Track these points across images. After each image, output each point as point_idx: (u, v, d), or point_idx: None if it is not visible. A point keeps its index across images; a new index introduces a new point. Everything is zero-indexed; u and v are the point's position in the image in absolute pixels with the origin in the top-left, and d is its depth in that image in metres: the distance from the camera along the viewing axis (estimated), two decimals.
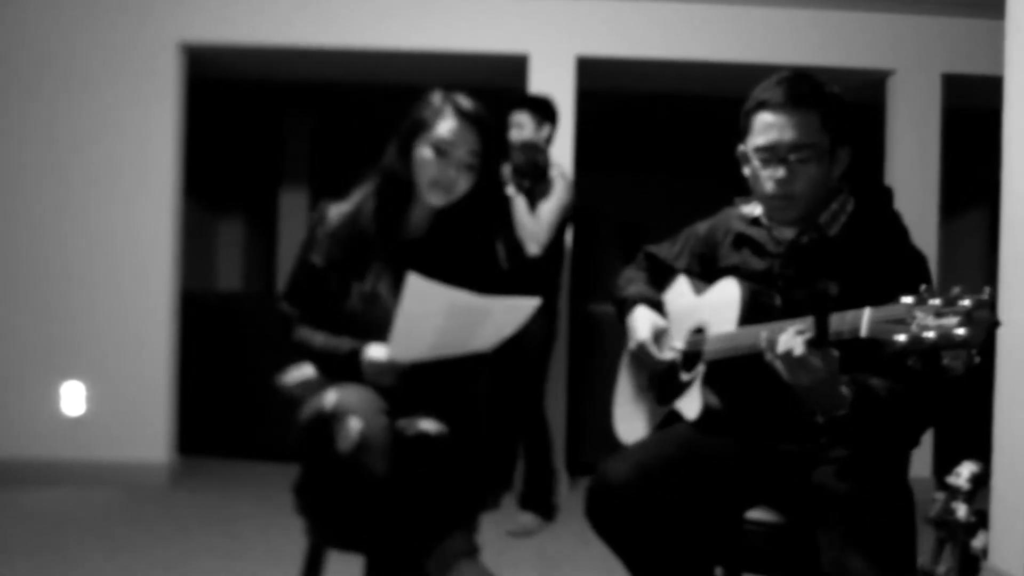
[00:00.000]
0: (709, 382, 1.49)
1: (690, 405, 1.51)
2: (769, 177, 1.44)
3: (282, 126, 5.76)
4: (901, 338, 1.11)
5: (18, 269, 3.52)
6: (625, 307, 1.65)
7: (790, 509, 1.43)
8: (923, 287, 1.12)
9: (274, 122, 5.72)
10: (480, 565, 1.45)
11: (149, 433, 3.53)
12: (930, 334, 1.09)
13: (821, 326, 1.21)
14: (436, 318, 1.45)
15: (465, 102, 1.59)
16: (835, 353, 1.24)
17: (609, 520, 1.40)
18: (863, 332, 1.18)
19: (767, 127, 1.43)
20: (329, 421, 1.43)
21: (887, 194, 1.53)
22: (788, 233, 1.50)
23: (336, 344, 1.57)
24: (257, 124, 5.75)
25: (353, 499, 1.42)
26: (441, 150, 1.56)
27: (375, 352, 1.52)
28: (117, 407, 3.51)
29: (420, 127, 1.58)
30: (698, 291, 1.62)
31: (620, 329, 1.70)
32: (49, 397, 3.49)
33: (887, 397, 1.32)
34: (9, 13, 3.52)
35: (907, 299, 1.12)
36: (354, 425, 1.40)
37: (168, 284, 3.56)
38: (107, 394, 3.51)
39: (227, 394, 4.04)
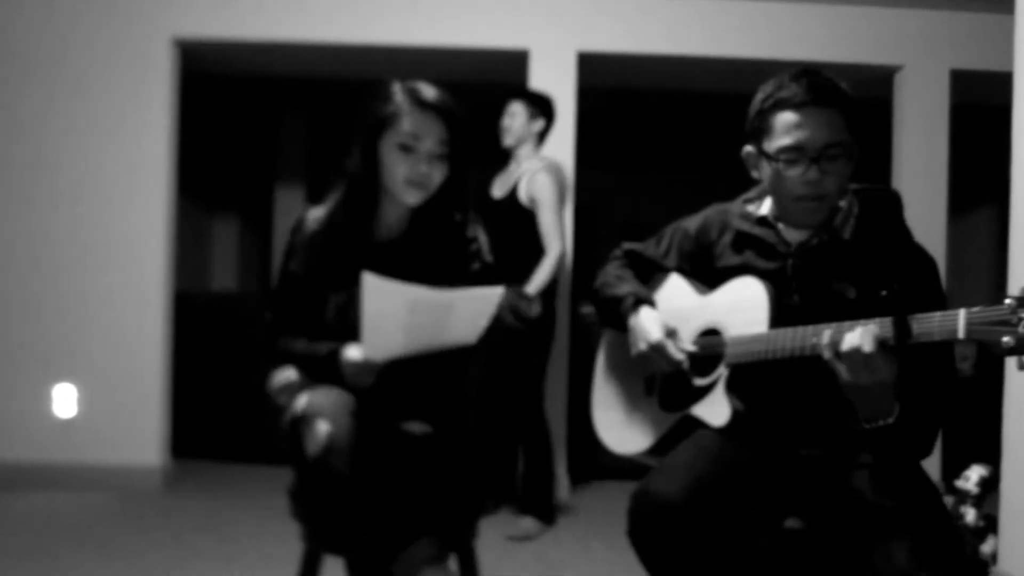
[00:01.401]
0: (733, 386, 1.44)
1: (715, 411, 1.45)
2: (798, 178, 1.39)
3: (278, 123, 5.72)
4: (1008, 340, 1.10)
5: (8, 268, 3.48)
6: (624, 307, 1.59)
7: (822, 516, 1.39)
8: (1023, 287, 1.13)
9: (269, 119, 5.68)
10: (448, 572, 1.42)
11: (142, 436, 3.49)
12: None
13: (902, 328, 1.20)
14: (400, 315, 1.43)
15: (426, 91, 1.54)
16: (895, 360, 1.23)
17: (660, 542, 1.32)
18: (960, 334, 1.15)
19: (792, 127, 1.39)
20: (300, 424, 1.43)
21: (894, 197, 1.50)
22: (799, 235, 1.46)
23: (315, 347, 1.56)
24: (252, 121, 5.70)
25: (325, 502, 1.41)
26: (408, 147, 1.52)
27: (351, 353, 1.50)
28: (110, 409, 3.48)
29: (382, 125, 1.53)
30: (701, 291, 1.56)
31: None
32: (40, 399, 3.46)
33: (929, 408, 1.31)
34: (0, 8, 3.47)
35: (1009, 299, 1.11)
36: (322, 427, 1.39)
37: (161, 284, 3.53)
38: (99, 396, 3.48)
39: (222, 396, 3.99)
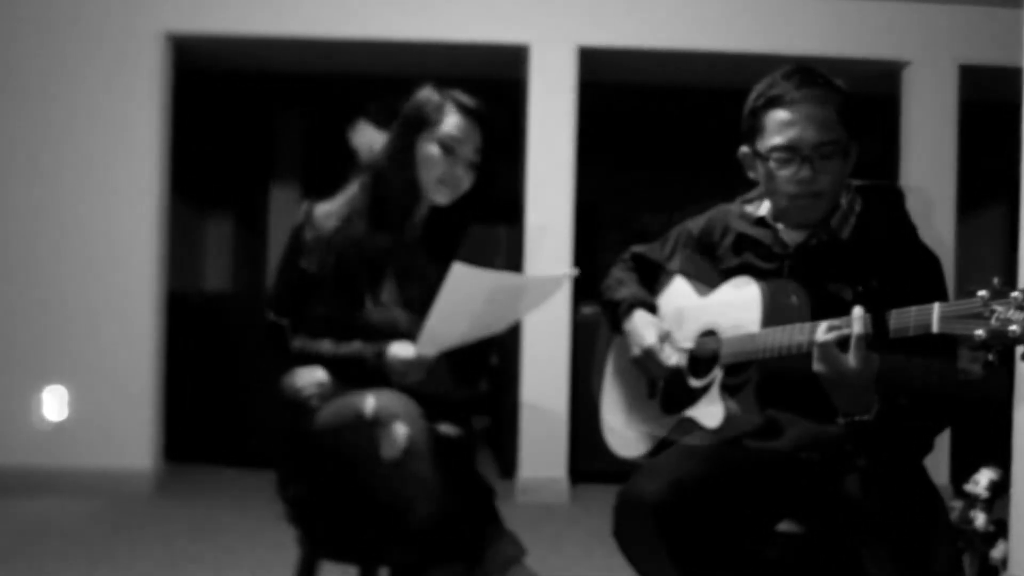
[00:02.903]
0: (727, 387, 1.42)
1: (709, 413, 1.44)
2: (791, 177, 1.39)
3: (273, 120, 5.68)
4: (980, 332, 1.09)
5: None
6: (620, 311, 1.60)
7: (816, 520, 1.38)
8: (996, 279, 1.10)
9: (264, 116, 5.64)
10: (528, 570, 1.47)
11: (134, 439, 3.45)
12: (1015, 327, 1.07)
13: (879, 323, 1.20)
14: (475, 303, 1.45)
15: (466, 98, 1.58)
16: (875, 356, 1.23)
17: (642, 541, 1.33)
18: (934, 328, 1.15)
19: (784, 125, 1.38)
20: (370, 427, 1.42)
21: (897, 194, 1.49)
22: (797, 235, 1.46)
23: (354, 349, 1.53)
24: (247, 118, 5.66)
25: (398, 505, 1.40)
26: (448, 147, 1.55)
27: (402, 350, 1.49)
28: (100, 412, 3.43)
29: (422, 123, 1.56)
30: (702, 292, 1.57)
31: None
32: (30, 402, 3.41)
33: (913, 409, 1.29)
34: None
35: (982, 292, 1.10)
36: (401, 431, 1.39)
37: (153, 284, 3.49)
38: (90, 399, 3.43)
39: (215, 398, 3.96)
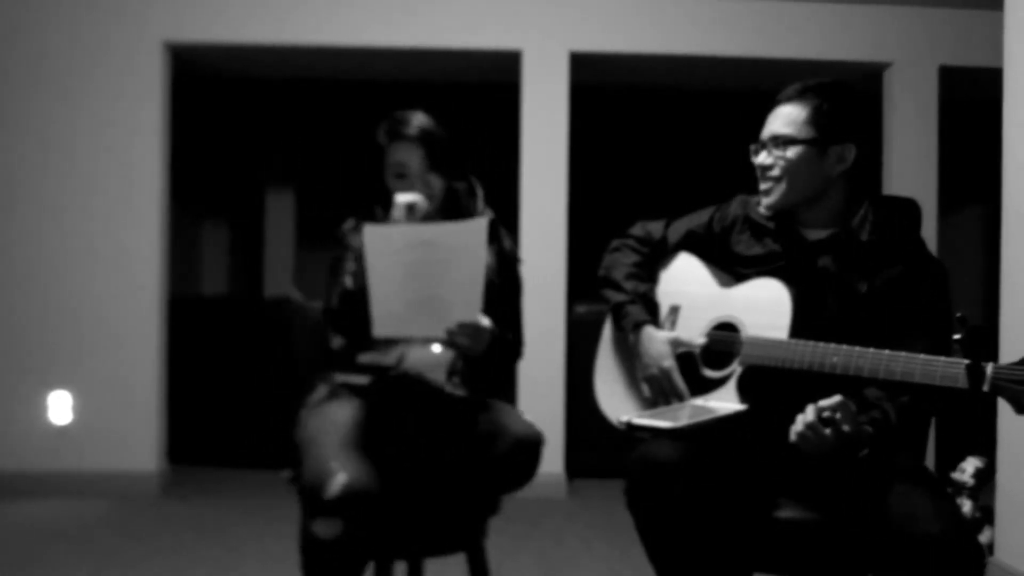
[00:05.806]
0: (743, 383, 1.47)
1: (724, 406, 1.48)
2: (756, 164, 1.53)
3: (268, 126, 5.68)
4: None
5: (1, 275, 3.45)
6: (625, 324, 1.63)
7: (821, 508, 1.42)
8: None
9: (261, 122, 5.65)
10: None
11: (138, 442, 3.47)
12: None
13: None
14: (403, 262, 1.49)
15: (400, 124, 1.72)
16: (845, 428, 1.31)
17: (658, 502, 1.34)
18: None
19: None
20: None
21: (912, 208, 1.55)
22: (819, 233, 1.52)
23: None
24: (243, 124, 5.66)
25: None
26: (397, 174, 1.73)
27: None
28: (105, 416, 3.45)
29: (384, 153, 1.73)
30: (724, 283, 1.59)
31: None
32: (36, 407, 3.43)
33: (902, 421, 1.37)
34: None
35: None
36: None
37: (156, 289, 3.51)
38: (95, 403, 3.45)
39: (217, 401, 3.97)
